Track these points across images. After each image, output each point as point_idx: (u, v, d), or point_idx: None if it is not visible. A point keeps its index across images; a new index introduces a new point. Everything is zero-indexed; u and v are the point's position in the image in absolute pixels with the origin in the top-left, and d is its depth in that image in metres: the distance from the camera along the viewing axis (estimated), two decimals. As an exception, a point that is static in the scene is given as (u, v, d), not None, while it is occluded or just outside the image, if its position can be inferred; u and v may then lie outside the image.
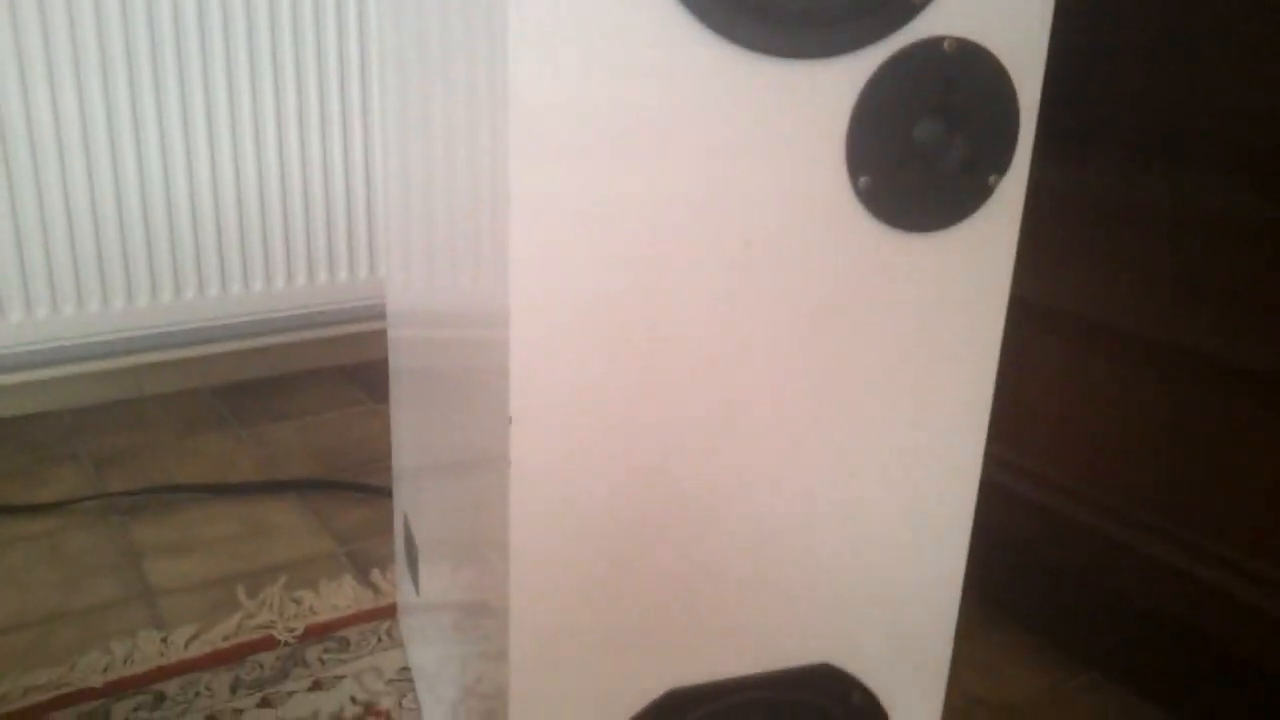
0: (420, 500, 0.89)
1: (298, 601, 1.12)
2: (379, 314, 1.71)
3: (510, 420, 0.57)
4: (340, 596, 1.13)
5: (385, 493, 1.34)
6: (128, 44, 1.41)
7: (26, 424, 1.52)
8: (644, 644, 0.65)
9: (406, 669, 1.02)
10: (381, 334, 1.74)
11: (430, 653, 0.91)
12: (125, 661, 1.02)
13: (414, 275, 0.83)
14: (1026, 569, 1.08)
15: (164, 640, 1.05)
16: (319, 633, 1.07)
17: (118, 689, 0.98)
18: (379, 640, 1.06)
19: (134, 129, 1.44)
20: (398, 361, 0.97)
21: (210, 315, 1.58)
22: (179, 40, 1.44)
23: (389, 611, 1.11)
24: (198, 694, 0.98)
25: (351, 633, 1.07)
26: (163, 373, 1.62)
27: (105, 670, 1.00)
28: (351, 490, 1.35)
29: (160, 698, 0.97)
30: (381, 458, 1.44)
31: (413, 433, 0.91)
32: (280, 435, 1.51)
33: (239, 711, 0.96)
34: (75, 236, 1.44)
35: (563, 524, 0.60)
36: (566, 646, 0.63)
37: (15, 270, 1.42)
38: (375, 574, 1.17)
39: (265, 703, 0.97)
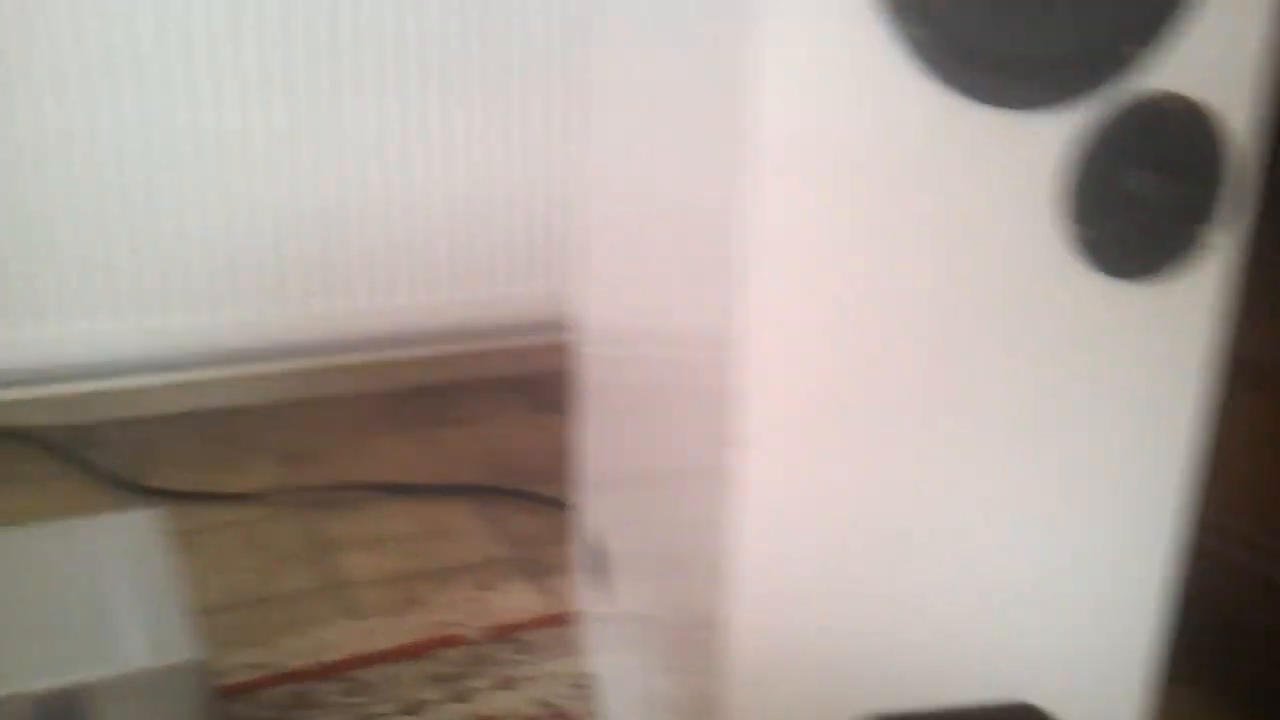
0: (618, 512, 0.93)
1: (480, 603, 1.17)
2: (547, 328, 1.77)
3: (738, 440, 0.60)
4: (519, 600, 1.18)
5: (556, 503, 1.39)
6: (324, 53, 1.50)
7: (218, 417, 1.62)
8: (853, 668, 0.68)
9: (587, 675, 1.07)
10: (548, 348, 1.80)
11: (622, 662, 0.95)
12: (325, 647, 1.09)
13: (621, 294, 0.88)
14: (1234, 634, 1.07)
15: (359, 630, 1.12)
16: (502, 634, 1.12)
17: (321, 673, 1.05)
18: (560, 646, 1.11)
19: (330, 138, 1.53)
20: (593, 376, 1.02)
21: (387, 322, 1.66)
22: (378, 51, 1.52)
23: (568, 619, 1.15)
24: (393, 684, 1.04)
25: (533, 636, 1.12)
26: (341, 375, 1.71)
27: (309, 654, 1.07)
28: (523, 499, 1.41)
29: (360, 685, 1.04)
30: (549, 469, 1.50)
31: (610, 446, 0.96)
32: (451, 441, 1.58)
33: (434, 704, 1.01)
34: (278, 242, 1.54)
35: (784, 544, 0.63)
36: (781, 665, 0.67)
37: (226, 271, 1.52)
38: (552, 581, 1.22)
39: (458, 697, 1.03)
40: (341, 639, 1.10)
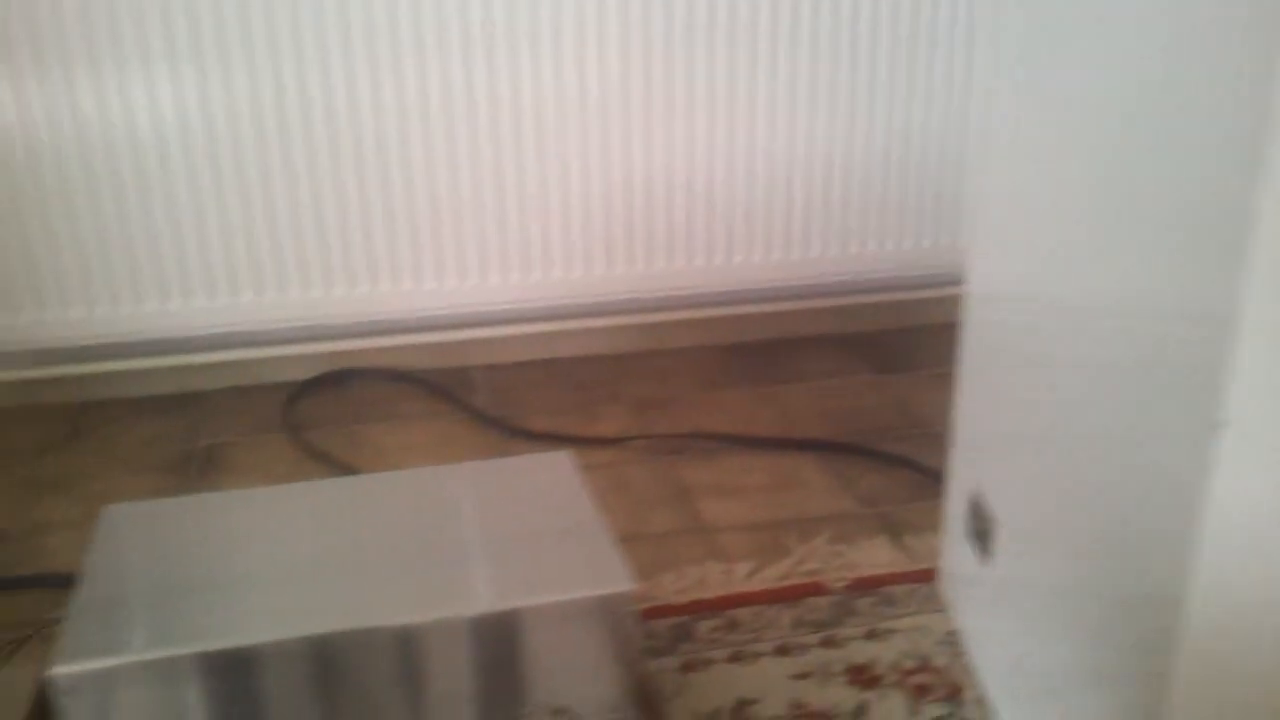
0: (1007, 477, 0.93)
1: (839, 554, 1.20)
2: (886, 287, 1.77)
3: (1220, 424, 0.59)
4: (877, 555, 1.20)
5: (904, 462, 1.40)
6: (687, 12, 1.55)
7: (574, 365, 1.72)
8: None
9: (954, 632, 1.07)
10: (884, 306, 1.80)
11: (996, 624, 0.96)
12: (697, 585, 1.15)
13: (1038, 256, 0.87)
14: None
15: (726, 572, 1.17)
16: (864, 587, 1.15)
17: (695, 609, 1.11)
18: (922, 602, 1.12)
19: (685, 97, 1.59)
20: (983, 336, 1.02)
21: (729, 279, 1.71)
22: (737, 7, 1.56)
23: (926, 575, 1.16)
24: (765, 625, 1.09)
25: (895, 591, 1.14)
26: (683, 329, 1.78)
27: (684, 591, 1.14)
28: (870, 456, 1.42)
29: (733, 623, 1.09)
30: (892, 428, 1.51)
31: (1004, 409, 0.95)
32: (792, 396, 1.61)
33: (806, 647, 1.06)
34: (632, 202, 1.61)
35: (1256, 524, 0.62)
36: (1236, 644, 0.65)
37: (586, 230, 1.61)
38: (909, 539, 1.24)
39: (828, 643, 1.06)
40: (711, 579, 1.16)
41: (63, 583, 1.16)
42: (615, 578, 0.83)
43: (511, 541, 0.87)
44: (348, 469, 1.39)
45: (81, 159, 1.43)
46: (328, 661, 0.77)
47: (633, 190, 1.62)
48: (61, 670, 0.73)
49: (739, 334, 1.80)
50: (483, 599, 0.80)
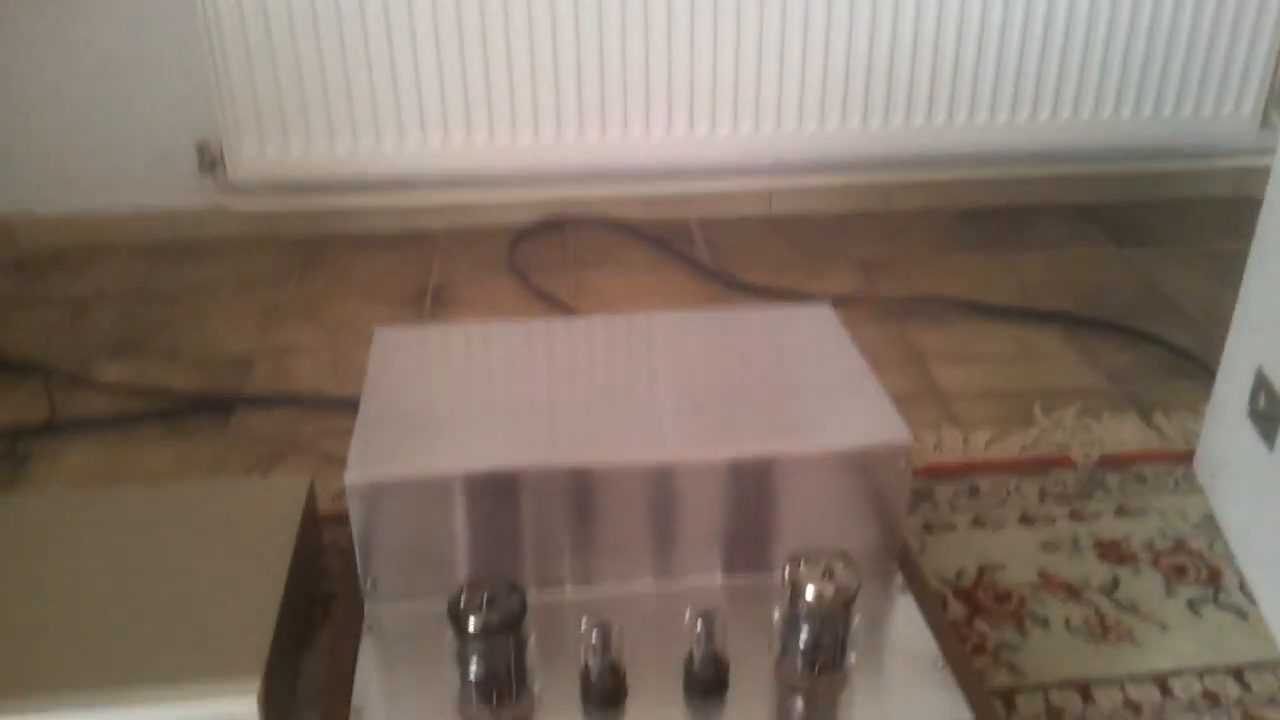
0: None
1: (1086, 429, 1.15)
2: (1135, 156, 1.65)
3: None
4: (1126, 432, 1.14)
5: (1153, 340, 1.32)
6: None
7: (796, 223, 1.68)
8: None
9: (1211, 517, 1.01)
10: (1124, 178, 1.69)
11: (1270, 512, 0.90)
12: (934, 450, 1.12)
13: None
14: None
15: (965, 440, 1.13)
16: (1113, 463, 1.09)
17: (934, 473, 1.08)
18: (1175, 483, 1.06)
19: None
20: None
21: (963, 140, 1.62)
22: None
23: (1180, 457, 1.10)
24: (1008, 494, 1.05)
25: (1145, 470, 1.08)
26: (912, 191, 1.70)
27: (918, 455, 1.10)
28: (1117, 332, 1.34)
29: (975, 489, 1.06)
30: (1136, 304, 1.42)
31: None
32: (1028, 266, 1.53)
33: (1052, 519, 1.01)
34: (870, 58, 1.53)
35: None
36: None
37: (816, 84, 1.54)
38: (1158, 418, 1.17)
39: (1075, 516, 1.02)
40: (949, 445, 1.12)
41: (310, 402, 1.21)
42: (890, 429, 0.80)
43: (780, 388, 0.85)
44: (573, 312, 1.40)
45: (327, -10, 1.44)
46: (586, 492, 0.78)
47: (874, 43, 1.53)
48: (352, 477, 0.76)
49: (973, 199, 1.72)
50: (750, 443, 0.79)
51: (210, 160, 1.55)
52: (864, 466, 0.79)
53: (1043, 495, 1.05)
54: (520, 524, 0.78)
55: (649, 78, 1.53)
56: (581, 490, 0.77)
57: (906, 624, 0.78)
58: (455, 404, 0.84)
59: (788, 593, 0.70)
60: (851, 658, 0.72)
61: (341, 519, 0.80)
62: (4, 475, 1.10)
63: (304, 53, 1.46)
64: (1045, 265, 1.53)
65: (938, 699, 0.72)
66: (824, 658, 0.71)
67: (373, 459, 0.77)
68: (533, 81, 1.51)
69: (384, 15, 1.45)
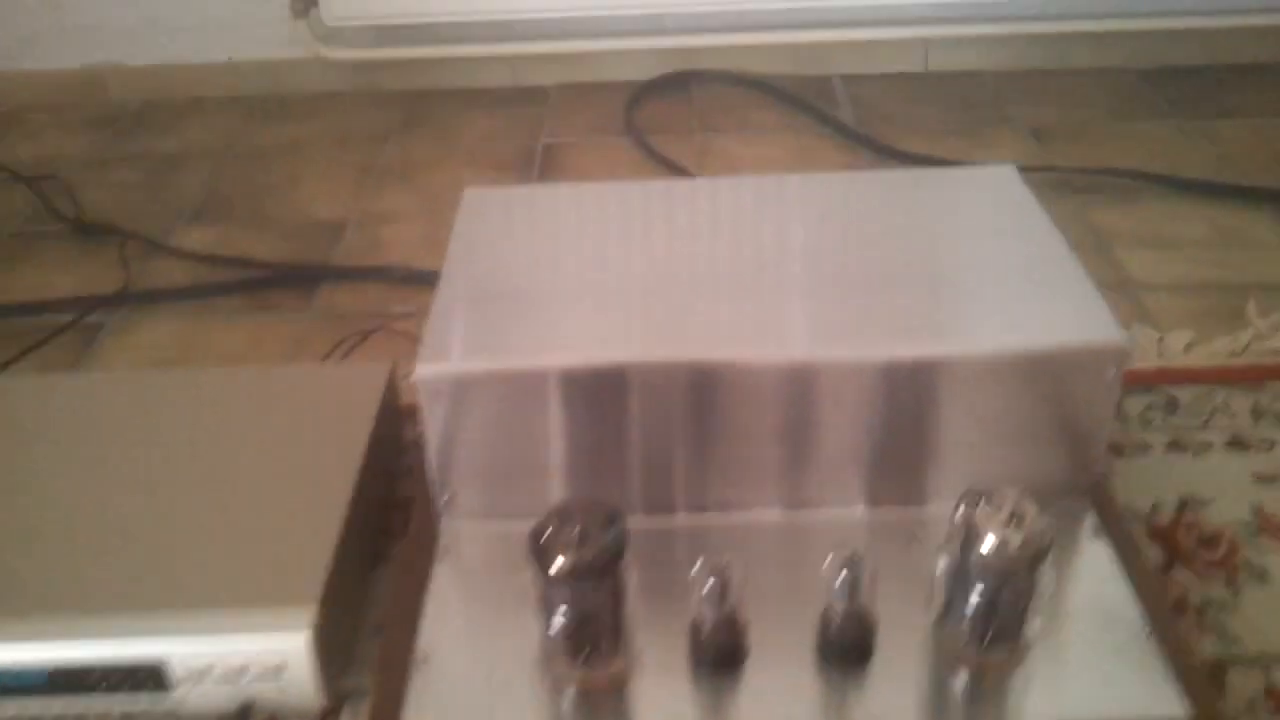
0: None
1: (1311, 333, 0.95)
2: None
3: None
4: (1362, 339, 0.94)
5: (1394, 225, 1.10)
6: None
7: (954, 80, 1.47)
8: None
9: None
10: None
11: None
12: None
13: None
14: None
15: (1160, 341, 0.95)
16: (1347, 376, 0.90)
17: (1124, 381, 0.90)
18: None
19: None
20: None
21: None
22: None
23: None
24: (1214, 410, 0.87)
25: (1391, 386, 0.89)
26: (1089, 45, 1.47)
27: (1107, 358, 0.93)
28: (1347, 214, 1.12)
29: (1173, 403, 0.88)
30: (1372, 181, 1.18)
31: None
32: (1231, 134, 1.30)
33: (1269, 443, 0.83)
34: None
35: None
36: None
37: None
38: (1405, 322, 0.96)
39: (1300, 442, 0.84)
40: (1141, 347, 0.94)
41: (400, 276, 1.09)
42: (1097, 326, 0.63)
43: (951, 270, 0.69)
44: (694, 178, 1.24)
45: None
46: (707, 396, 0.63)
47: None
48: (424, 371, 0.63)
49: (1159, 55, 1.47)
50: (911, 339, 0.63)
51: (305, 2, 1.41)
52: (1058, 375, 0.63)
53: (1257, 413, 0.86)
54: (626, 433, 0.64)
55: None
56: (701, 393, 0.63)
57: (1101, 580, 0.62)
58: (552, 283, 0.69)
59: (959, 539, 0.55)
60: (1033, 625, 0.57)
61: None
62: (73, 348, 1.01)
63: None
64: (1251, 134, 1.30)
65: (1142, 682, 0.56)
66: (1000, 624, 0.56)
67: (451, 349, 0.64)
68: (657, -88, 1.32)
69: None
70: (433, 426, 0.64)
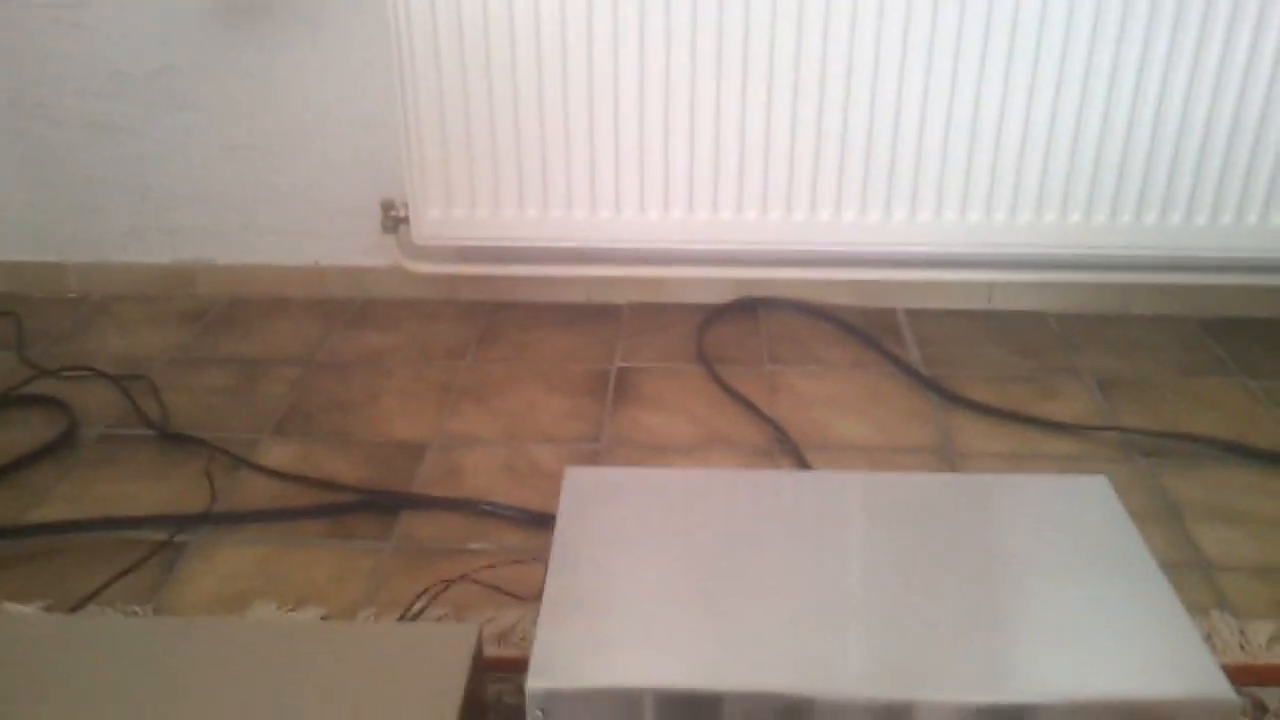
0: None
1: (1394, 632, 0.94)
2: None
3: None
4: None
5: None
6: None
7: (1017, 320, 1.50)
8: None
9: None
10: None
11: None
12: (1207, 640, 0.93)
13: None
14: None
15: (1240, 632, 0.95)
16: None
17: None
18: None
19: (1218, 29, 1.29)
20: None
21: (1207, 242, 1.41)
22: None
23: None
24: (1301, 716, 0.86)
25: None
26: (1149, 294, 1.51)
27: (1190, 650, 0.92)
28: None
29: (1261, 707, 0.87)
30: None
31: None
32: (1296, 397, 1.32)
33: (1365, 761, 0.82)
34: (1104, 143, 1.35)
35: None
36: None
37: (1036, 168, 1.37)
38: None
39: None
40: (1222, 639, 0.94)
41: (479, 508, 1.10)
42: (1206, 679, 0.64)
43: (1054, 602, 0.70)
44: (768, 419, 1.26)
45: (533, 62, 1.34)
46: (799, 713, 0.64)
47: (1110, 131, 1.35)
48: (537, 687, 0.64)
49: (1223, 306, 1.51)
50: (1019, 682, 0.64)
51: (395, 219, 1.47)
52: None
53: (1348, 724, 0.86)
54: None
55: (867, 157, 1.39)
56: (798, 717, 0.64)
57: None
58: (654, 590, 0.71)
59: None
60: None
61: (505, 666, 0.68)
62: (158, 568, 1.03)
63: (499, 113, 1.37)
64: (1319, 397, 1.32)
65: None
66: None
67: (556, 663, 0.65)
68: (740, 156, 1.39)
69: (587, 79, 1.35)
70: (540, 727, 0.65)
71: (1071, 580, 0.72)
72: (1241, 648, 0.93)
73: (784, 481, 0.83)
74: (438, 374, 1.38)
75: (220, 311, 1.54)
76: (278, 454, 1.21)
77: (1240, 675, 0.90)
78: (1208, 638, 0.94)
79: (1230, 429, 1.25)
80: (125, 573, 1.02)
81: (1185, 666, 0.65)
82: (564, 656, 0.66)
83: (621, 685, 0.63)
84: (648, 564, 0.74)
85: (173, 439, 1.24)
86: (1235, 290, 1.50)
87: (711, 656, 0.66)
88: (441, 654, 0.81)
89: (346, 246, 1.54)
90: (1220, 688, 0.63)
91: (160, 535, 1.07)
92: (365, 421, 1.28)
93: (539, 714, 0.64)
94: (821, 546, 0.75)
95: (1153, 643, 0.67)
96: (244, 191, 1.52)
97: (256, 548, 1.06)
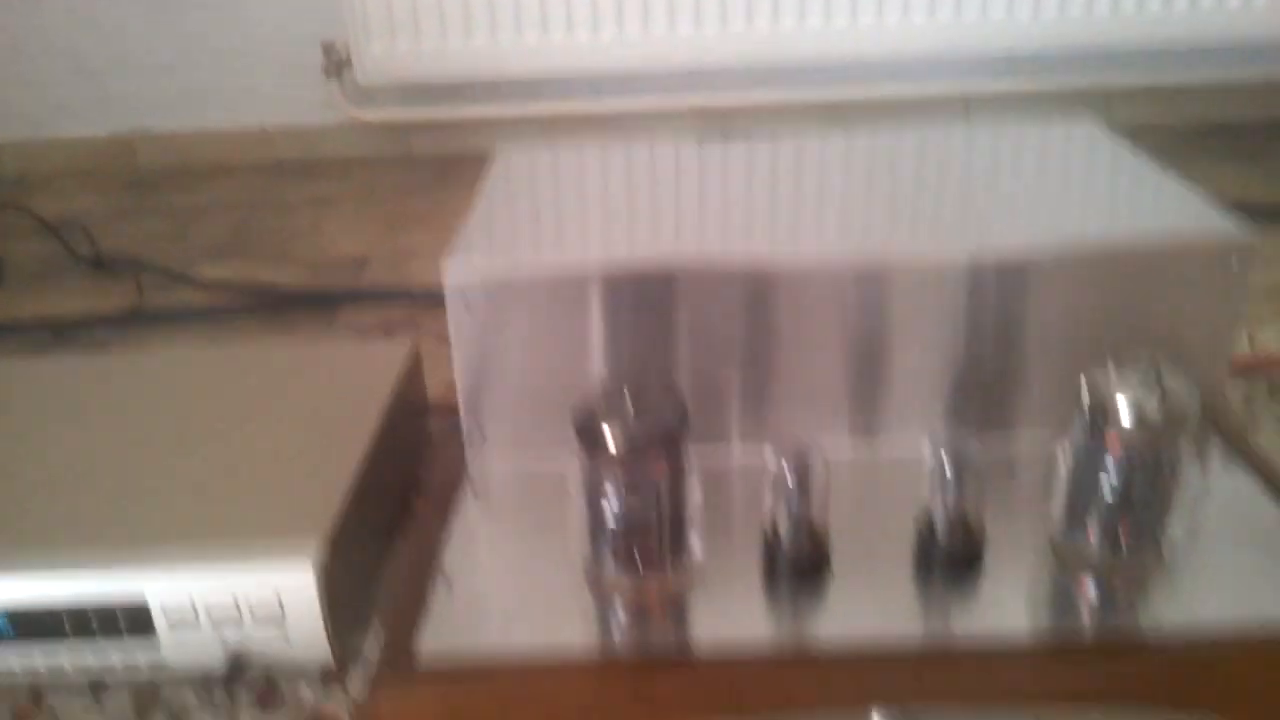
0: None
1: None
2: None
3: None
4: None
5: None
6: None
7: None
8: None
9: None
10: None
11: None
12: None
13: None
14: None
15: (1250, 337, 0.87)
16: None
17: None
18: None
19: None
20: None
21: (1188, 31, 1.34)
22: None
23: None
24: (1325, 394, 0.78)
25: None
26: (1134, 100, 1.44)
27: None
28: None
29: (1277, 388, 0.79)
30: None
31: None
32: (1293, 176, 1.24)
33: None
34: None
35: None
36: None
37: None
38: None
39: None
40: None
41: (427, 296, 1.03)
42: (1212, 220, 0.56)
43: (1040, 180, 0.62)
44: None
45: None
46: (766, 302, 0.56)
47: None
48: (457, 273, 0.56)
49: (1214, 111, 1.44)
50: (1000, 234, 0.56)
51: (337, 62, 1.40)
52: (1174, 272, 0.55)
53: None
54: (674, 349, 0.57)
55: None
56: (760, 298, 0.56)
57: (1242, 501, 0.53)
58: (596, 197, 0.63)
59: (1084, 417, 0.47)
60: (1175, 529, 0.48)
61: (453, 409, 0.60)
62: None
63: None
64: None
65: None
66: (1137, 519, 0.47)
67: (484, 249, 0.58)
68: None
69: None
70: (461, 342, 0.57)
71: (1054, 166, 0.64)
72: (1252, 351, 0.86)
73: (740, 146, 0.76)
74: (387, 208, 1.31)
75: (163, 178, 1.46)
76: (214, 273, 1.13)
77: (1254, 365, 0.83)
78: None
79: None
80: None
81: (1187, 211, 0.57)
82: (493, 245, 0.58)
83: (559, 268, 0.55)
84: (588, 184, 0.66)
85: (104, 265, 1.16)
86: (1231, 89, 1.42)
87: (662, 234, 0.58)
88: (377, 364, 0.74)
89: (292, 104, 1.47)
90: (1229, 226, 0.56)
91: (80, 337, 0.99)
92: (307, 244, 1.20)
93: (461, 302, 0.56)
94: (780, 143, 0.67)
95: (1157, 198, 0.59)
96: (179, 53, 1.45)
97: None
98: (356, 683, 0.56)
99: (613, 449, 0.45)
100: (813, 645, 0.45)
